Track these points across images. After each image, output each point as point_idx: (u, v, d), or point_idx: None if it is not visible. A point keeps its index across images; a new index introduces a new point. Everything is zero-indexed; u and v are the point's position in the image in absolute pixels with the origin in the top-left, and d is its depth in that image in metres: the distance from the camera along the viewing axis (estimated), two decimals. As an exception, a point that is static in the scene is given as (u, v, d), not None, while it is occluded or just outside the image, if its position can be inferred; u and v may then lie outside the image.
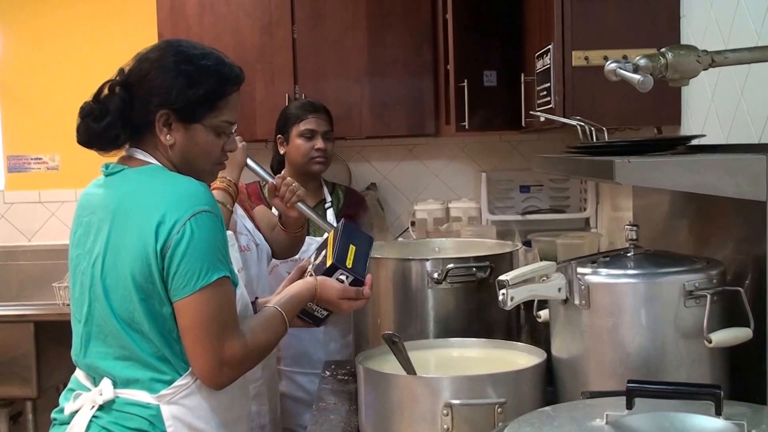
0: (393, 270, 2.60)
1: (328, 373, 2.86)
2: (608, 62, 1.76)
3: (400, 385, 2.02)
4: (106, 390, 2.02)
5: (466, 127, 3.60)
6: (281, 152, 3.62)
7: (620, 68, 1.72)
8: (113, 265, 1.99)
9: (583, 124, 2.32)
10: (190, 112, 2.07)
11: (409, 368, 2.10)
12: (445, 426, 1.92)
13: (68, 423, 2.07)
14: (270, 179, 2.90)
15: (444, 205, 4.33)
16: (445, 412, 1.91)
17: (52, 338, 4.27)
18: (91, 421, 2.02)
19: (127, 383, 2.02)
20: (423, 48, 4.22)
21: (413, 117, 4.25)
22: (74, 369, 2.07)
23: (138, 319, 1.98)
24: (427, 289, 2.50)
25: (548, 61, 2.71)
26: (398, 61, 4.23)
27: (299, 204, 2.86)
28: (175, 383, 2.00)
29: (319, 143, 3.58)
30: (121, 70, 2.10)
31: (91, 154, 2.08)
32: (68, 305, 4.08)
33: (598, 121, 2.33)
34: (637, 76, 1.70)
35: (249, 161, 2.90)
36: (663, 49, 1.73)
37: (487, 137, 4.49)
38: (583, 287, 1.90)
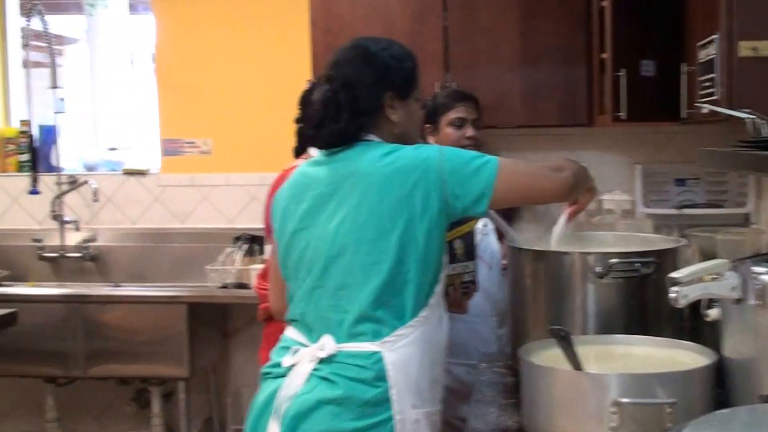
0: (552, 263, 2.56)
1: (484, 365, 2.85)
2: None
3: (567, 380, 1.99)
4: (328, 345, 2.14)
5: (623, 117, 3.53)
6: (430, 142, 3.62)
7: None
8: (367, 220, 2.16)
9: (754, 117, 2.24)
10: (406, 88, 2.32)
11: (577, 364, 2.07)
12: (612, 424, 1.88)
13: (284, 375, 2.18)
14: None
15: (596, 198, 4.24)
16: (613, 410, 1.88)
17: (203, 320, 4.36)
18: (311, 372, 2.14)
19: (351, 337, 2.15)
20: (576, 36, 4.12)
21: (565, 106, 4.17)
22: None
23: (400, 264, 2.14)
24: (589, 284, 2.46)
25: (712, 51, 2.63)
26: (551, 49, 4.16)
27: None
28: (397, 331, 2.14)
29: (469, 131, 3.57)
30: (329, 76, 2.28)
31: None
32: (220, 288, 4.22)
33: (766, 114, 2.25)
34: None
35: None
36: None
37: (639, 128, 4.35)
38: (758, 287, 1.83)
